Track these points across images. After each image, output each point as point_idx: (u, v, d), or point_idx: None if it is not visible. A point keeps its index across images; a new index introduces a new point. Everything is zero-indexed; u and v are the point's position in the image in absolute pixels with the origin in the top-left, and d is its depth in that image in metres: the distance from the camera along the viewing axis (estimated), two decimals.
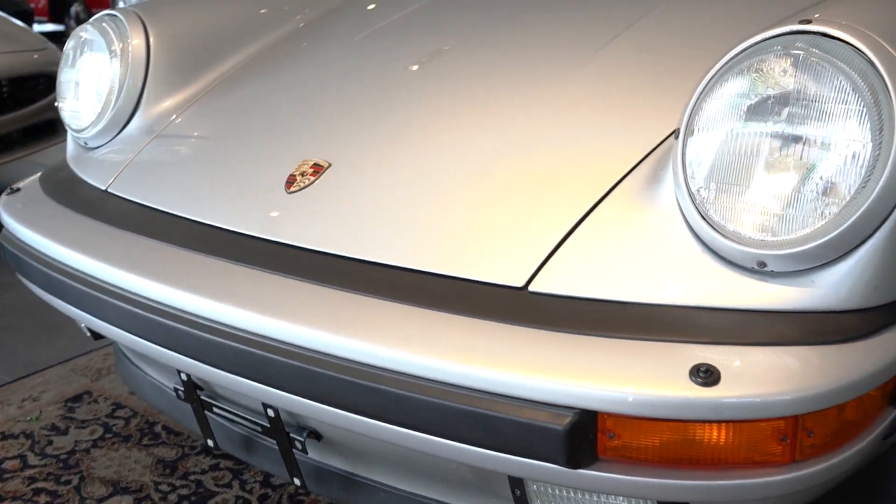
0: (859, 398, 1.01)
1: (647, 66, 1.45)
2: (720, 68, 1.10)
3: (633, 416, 0.97)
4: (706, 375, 0.95)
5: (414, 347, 1.06)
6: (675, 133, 1.13)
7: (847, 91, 1.00)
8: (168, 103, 1.85)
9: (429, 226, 1.27)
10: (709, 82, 1.11)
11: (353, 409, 1.11)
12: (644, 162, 1.22)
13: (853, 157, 0.99)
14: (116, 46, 1.85)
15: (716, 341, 1.01)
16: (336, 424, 1.15)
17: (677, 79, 1.38)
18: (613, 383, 0.97)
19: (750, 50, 1.08)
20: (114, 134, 1.83)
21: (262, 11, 2.08)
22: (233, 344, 1.20)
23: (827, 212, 1.00)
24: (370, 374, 1.07)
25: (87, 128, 1.84)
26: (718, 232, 1.06)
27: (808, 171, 1.02)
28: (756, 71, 1.06)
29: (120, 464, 1.89)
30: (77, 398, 2.20)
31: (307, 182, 1.40)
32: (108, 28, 1.88)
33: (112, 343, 2.36)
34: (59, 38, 9.18)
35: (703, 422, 0.97)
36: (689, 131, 1.11)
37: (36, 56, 3.95)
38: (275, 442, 1.39)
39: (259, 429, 1.40)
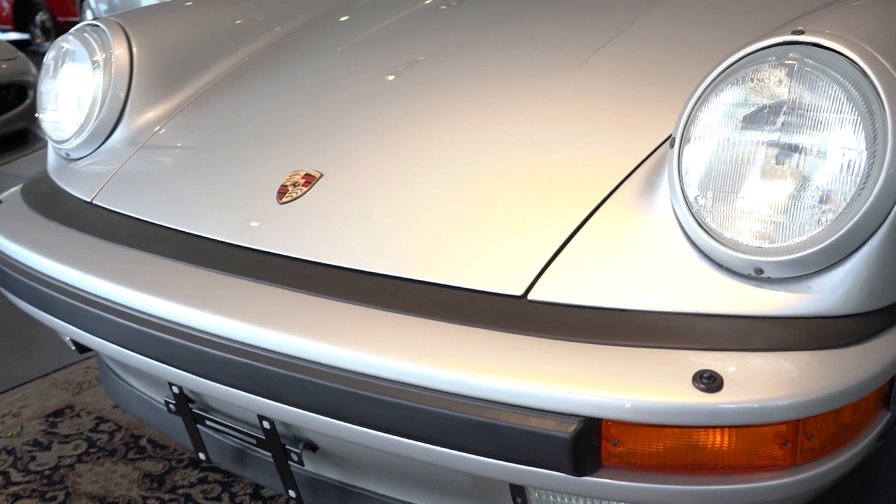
0: (855, 402, 1.02)
1: (637, 74, 1.47)
2: (715, 78, 1.12)
3: (637, 423, 0.98)
4: (709, 382, 0.96)
5: (417, 358, 1.06)
6: (671, 141, 1.14)
7: (842, 100, 1.02)
8: (152, 114, 1.84)
9: (425, 235, 1.27)
10: (703, 91, 1.12)
11: (355, 420, 1.11)
12: (638, 169, 1.24)
13: (848, 165, 1.01)
14: (99, 57, 1.84)
15: (716, 347, 1.02)
16: (338, 436, 1.15)
17: (667, 87, 1.41)
18: (618, 391, 0.98)
19: (744, 60, 1.10)
20: (96, 145, 1.81)
21: (246, 21, 2.07)
22: (231, 356, 1.19)
23: (823, 219, 1.02)
24: (373, 386, 1.07)
25: (69, 139, 1.82)
26: (715, 239, 1.08)
27: (805, 178, 1.04)
28: (751, 81, 1.08)
29: (106, 479, 1.87)
30: (59, 413, 2.16)
31: (299, 192, 1.40)
32: (91, 38, 1.86)
33: (93, 356, 2.34)
34: (24, 47, 9.05)
35: (707, 427, 0.98)
36: (685, 140, 1.12)
37: (5, 66, 3.89)
38: (270, 454, 1.38)
39: (253, 441, 1.39)
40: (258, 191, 1.45)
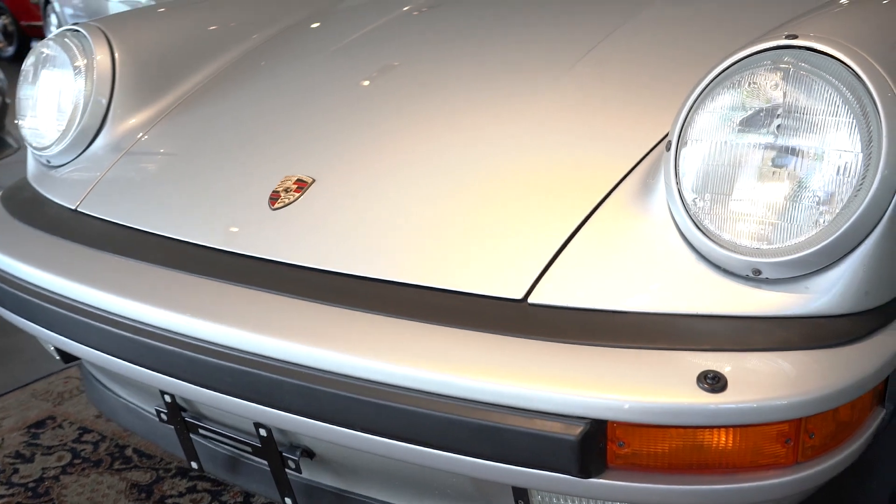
0: (853, 400, 1.04)
1: (626, 78, 1.48)
2: (710, 81, 1.13)
3: (643, 424, 0.99)
4: (713, 382, 0.97)
5: (421, 362, 1.06)
6: (667, 145, 1.15)
7: (837, 104, 1.04)
8: (135, 120, 1.82)
9: (422, 239, 1.27)
10: (699, 95, 1.13)
11: (358, 426, 1.10)
12: (633, 172, 1.25)
13: (845, 167, 1.03)
14: (80, 62, 1.82)
15: (717, 348, 1.03)
16: (340, 443, 1.14)
17: (656, 89, 1.43)
18: (623, 392, 0.99)
19: (739, 64, 1.11)
20: (78, 152, 1.79)
21: (229, 26, 2.06)
22: (229, 364, 1.18)
23: (821, 220, 1.04)
24: (377, 391, 1.07)
25: (50, 146, 1.80)
26: (714, 241, 1.09)
27: (802, 181, 1.05)
28: (748, 84, 1.09)
29: (93, 490, 1.84)
30: (40, 424, 2.13)
31: (292, 198, 1.39)
32: (71, 44, 1.84)
33: (73, 366, 2.31)
34: None
35: (711, 427, 0.99)
36: (682, 143, 1.13)
37: None
38: (266, 462, 1.37)
39: (249, 449, 1.38)
40: (249, 197, 1.44)
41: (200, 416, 1.44)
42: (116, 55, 1.84)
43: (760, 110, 1.08)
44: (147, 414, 1.65)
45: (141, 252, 1.42)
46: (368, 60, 1.74)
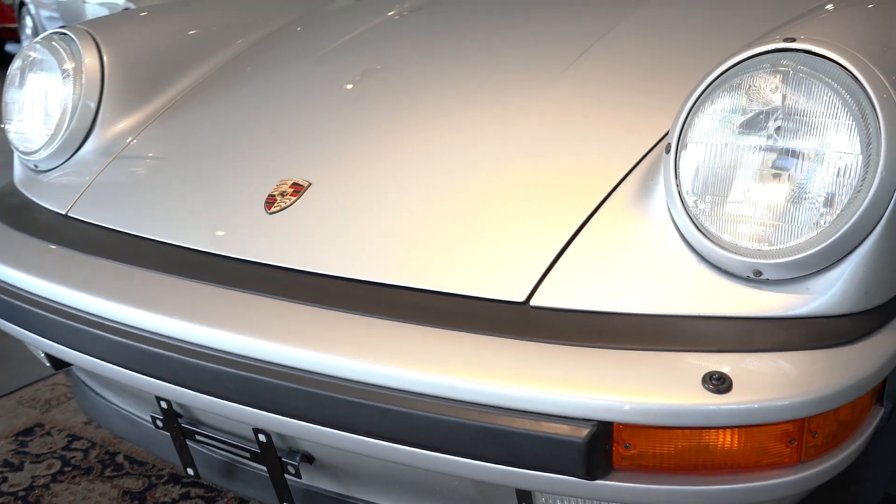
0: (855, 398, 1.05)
1: (620, 80, 1.49)
2: (709, 84, 1.14)
3: (649, 425, 0.99)
4: (718, 383, 0.98)
5: (427, 366, 1.06)
6: (666, 147, 1.16)
7: (837, 106, 1.05)
8: (124, 124, 1.81)
9: (423, 243, 1.27)
10: (698, 98, 1.14)
11: (362, 431, 1.10)
12: (632, 174, 1.25)
13: (845, 168, 1.04)
14: (69, 66, 1.80)
15: (720, 349, 1.04)
16: (343, 448, 1.14)
17: (650, 91, 1.44)
18: (629, 394, 0.99)
19: (737, 67, 1.12)
20: (67, 156, 1.77)
21: (218, 29, 2.04)
22: (229, 369, 1.18)
23: (821, 221, 1.05)
24: (382, 395, 1.07)
25: (37, 150, 1.78)
26: (714, 243, 1.10)
27: (802, 182, 1.06)
28: (747, 87, 1.10)
29: (84, 498, 1.82)
30: (28, 431, 2.11)
31: (288, 202, 1.39)
32: (59, 47, 1.82)
33: (59, 373, 2.29)
34: None
35: (717, 428, 1.00)
36: (682, 145, 1.14)
37: None
38: (264, 468, 1.36)
39: (247, 455, 1.37)
40: (244, 201, 1.44)
41: (197, 422, 1.43)
42: (105, 58, 1.82)
43: (760, 113, 1.09)
44: (140, 420, 1.64)
45: (136, 257, 1.40)
46: (363, 63, 1.74)
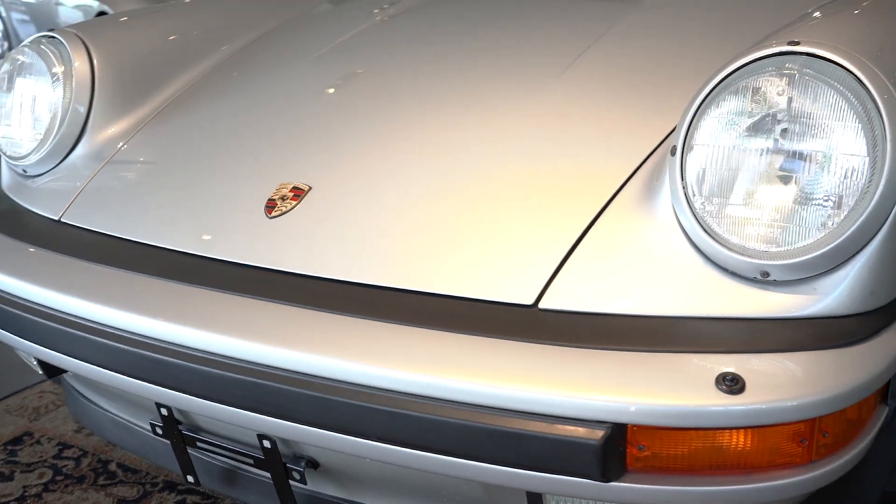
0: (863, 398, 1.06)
1: (618, 82, 1.49)
2: (714, 87, 1.14)
3: (663, 427, 1.00)
4: (732, 384, 0.99)
5: (439, 370, 1.06)
6: (672, 149, 1.17)
7: (843, 108, 1.06)
8: (115, 128, 1.79)
9: (429, 245, 1.26)
10: (703, 101, 1.15)
11: (373, 436, 1.09)
12: (635, 176, 1.26)
13: (851, 170, 1.05)
14: (58, 70, 1.78)
15: (732, 350, 1.05)
16: (354, 453, 1.14)
17: (650, 93, 1.45)
18: (643, 396, 1.00)
19: (742, 70, 1.13)
20: (57, 161, 1.75)
21: (210, 31, 2.03)
22: (234, 375, 1.17)
23: (829, 223, 1.06)
24: (393, 400, 1.07)
25: (27, 155, 1.76)
26: (722, 244, 1.11)
27: (809, 184, 1.08)
28: (753, 90, 1.11)
29: None
30: (17, 440, 2.07)
31: (289, 206, 1.38)
32: (48, 51, 1.80)
33: (46, 380, 2.25)
34: None
35: (730, 429, 1.00)
36: (688, 148, 1.15)
37: None
38: (268, 474, 1.35)
39: (251, 461, 1.36)
40: (244, 206, 1.43)
41: (198, 429, 1.42)
42: (95, 62, 1.80)
43: (766, 115, 1.10)
44: (136, 427, 1.62)
45: (135, 262, 1.39)
46: (359, 65, 1.73)
